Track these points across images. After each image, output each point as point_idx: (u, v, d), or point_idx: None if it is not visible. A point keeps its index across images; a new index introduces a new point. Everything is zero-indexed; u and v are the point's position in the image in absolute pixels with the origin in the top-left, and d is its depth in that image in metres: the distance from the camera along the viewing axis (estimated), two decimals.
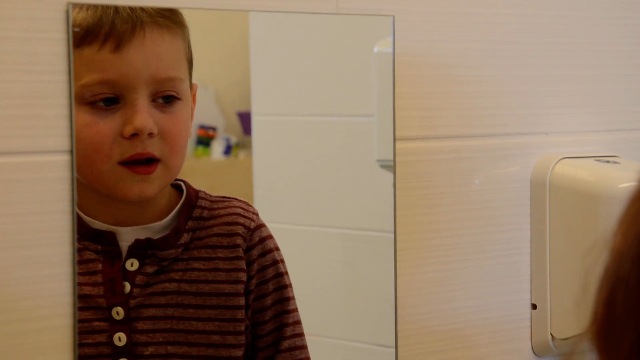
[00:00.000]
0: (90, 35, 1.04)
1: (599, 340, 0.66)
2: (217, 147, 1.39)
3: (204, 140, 1.38)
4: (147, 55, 1.06)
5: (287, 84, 1.31)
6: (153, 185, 1.08)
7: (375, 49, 1.27)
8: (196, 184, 1.16)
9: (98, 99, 1.05)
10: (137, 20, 1.05)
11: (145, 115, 1.06)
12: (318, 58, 1.30)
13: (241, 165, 1.37)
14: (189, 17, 1.11)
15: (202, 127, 1.38)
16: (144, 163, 1.07)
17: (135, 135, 1.06)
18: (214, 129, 1.38)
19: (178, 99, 1.09)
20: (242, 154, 1.39)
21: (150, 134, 1.06)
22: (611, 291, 0.66)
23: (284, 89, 1.30)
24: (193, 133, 1.35)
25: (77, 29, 1.03)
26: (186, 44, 1.10)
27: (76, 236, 1.05)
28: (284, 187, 1.30)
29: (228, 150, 1.39)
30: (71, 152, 1.04)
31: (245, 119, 1.35)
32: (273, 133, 1.30)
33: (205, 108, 1.34)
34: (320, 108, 1.31)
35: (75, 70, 1.03)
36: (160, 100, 1.08)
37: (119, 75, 1.05)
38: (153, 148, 1.07)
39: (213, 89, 1.35)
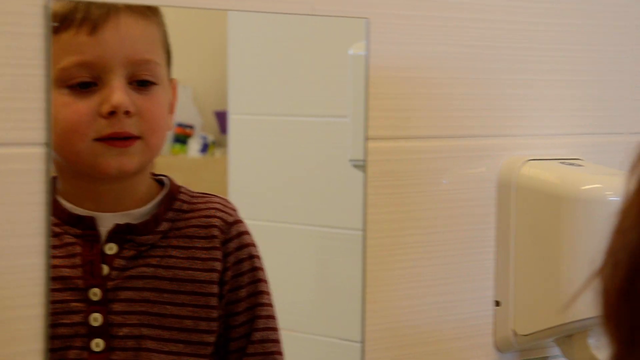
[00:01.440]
0: (67, 21, 1.06)
1: (609, 323, 0.64)
2: (194, 145, 1.40)
3: (181, 138, 1.40)
4: (122, 38, 1.08)
5: (263, 84, 1.31)
6: (132, 159, 1.09)
7: (350, 52, 1.28)
8: None
9: (76, 82, 1.07)
10: (112, 6, 1.08)
11: (122, 94, 1.07)
12: (295, 59, 1.31)
13: (217, 163, 1.38)
14: (167, 16, 1.12)
15: (179, 125, 1.39)
16: (122, 139, 1.09)
17: (112, 113, 1.07)
18: (191, 127, 1.40)
19: (155, 83, 1.11)
20: (218, 152, 1.40)
21: (128, 112, 1.08)
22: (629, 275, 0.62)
23: (261, 89, 1.31)
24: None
25: (56, 24, 1.05)
26: (162, 31, 1.12)
27: (55, 221, 1.06)
28: (259, 185, 1.31)
29: (205, 148, 1.40)
30: (47, 144, 1.04)
31: (222, 118, 1.36)
32: (249, 132, 1.31)
33: (183, 107, 1.35)
34: (295, 108, 1.32)
35: (53, 54, 1.04)
36: (137, 84, 1.09)
37: (95, 57, 1.07)
38: (131, 127, 1.09)
39: (191, 88, 1.36)
